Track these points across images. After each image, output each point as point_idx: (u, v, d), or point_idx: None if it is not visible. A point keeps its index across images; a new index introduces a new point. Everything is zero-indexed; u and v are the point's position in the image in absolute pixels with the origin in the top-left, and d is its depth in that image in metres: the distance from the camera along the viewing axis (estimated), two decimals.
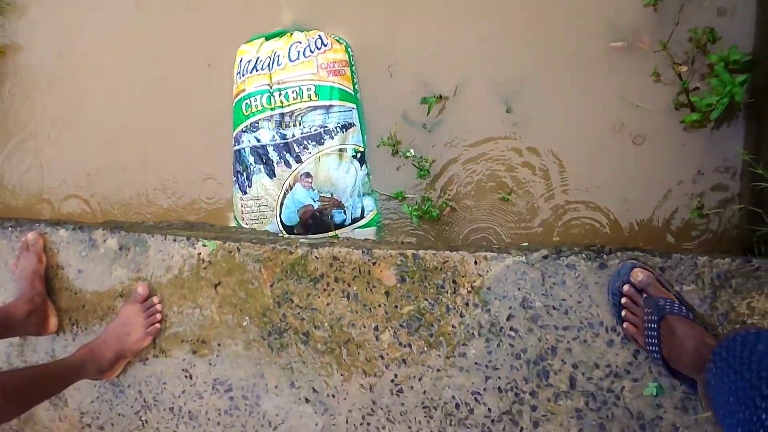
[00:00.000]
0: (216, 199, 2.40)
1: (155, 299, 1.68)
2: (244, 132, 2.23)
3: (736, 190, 1.75)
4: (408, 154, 2.14)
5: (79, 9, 2.61)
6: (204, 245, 1.65)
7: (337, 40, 2.33)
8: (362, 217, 2.16)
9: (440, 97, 2.14)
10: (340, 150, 2.16)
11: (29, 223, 1.84)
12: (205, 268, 1.64)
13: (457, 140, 2.12)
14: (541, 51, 2.05)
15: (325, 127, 2.16)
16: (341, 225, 2.14)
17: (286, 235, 1.81)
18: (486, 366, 1.39)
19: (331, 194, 2.12)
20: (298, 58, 2.26)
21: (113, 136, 2.54)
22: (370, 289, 1.49)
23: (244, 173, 2.20)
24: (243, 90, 2.30)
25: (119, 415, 1.70)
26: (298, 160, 2.14)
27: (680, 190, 1.87)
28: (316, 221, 2.12)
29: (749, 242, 1.57)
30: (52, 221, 1.82)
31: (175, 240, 1.67)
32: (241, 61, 2.39)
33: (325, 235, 2.14)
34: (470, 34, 2.15)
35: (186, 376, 1.64)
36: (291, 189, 2.13)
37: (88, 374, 1.64)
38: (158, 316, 1.67)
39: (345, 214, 2.13)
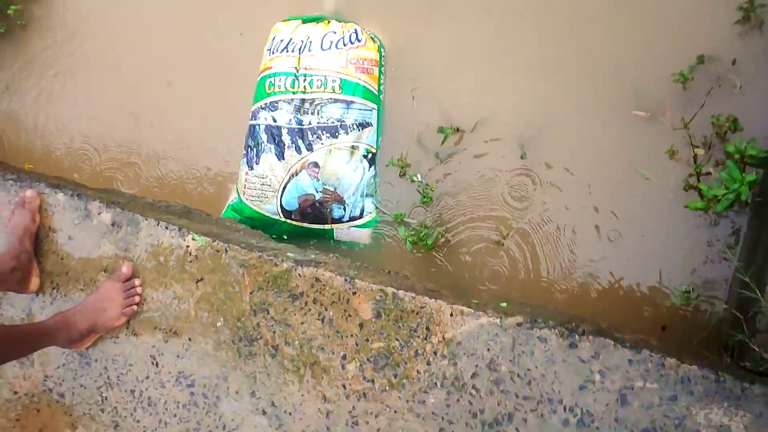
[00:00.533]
0: (221, 171, 2.43)
1: (137, 281, 1.70)
2: (262, 109, 2.24)
3: (726, 287, 1.75)
4: (415, 178, 2.15)
5: None
6: (194, 239, 1.66)
7: (372, 37, 2.33)
8: (360, 217, 2.17)
9: (458, 129, 2.14)
10: (353, 147, 2.16)
11: (30, 180, 1.86)
12: (190, 262, 1.66)
13: (467, 176, 2.13)
14: (566, 104, 2.05)
15: (343, 121, 2.16)
16: (338, 220, 2.15)
17: (275, 243, 1.83)
18: (442, 418, 1.41)
19: (335, 188, 2.13)
20: (329, 48, 2.26)
21: (134, 87, 2.57)
22: (346, 318, 1.50)
23: (255, 149, 2.21)
24: (270, 68, 2.30)
25: (81, 386, 1.73)
26: (309, 149, 2.15)
27: (672, 271, 1.88)
28: (314, 211, 2.14)
29: (727, 342, 1.57)
30: (53, 183, 1.84)
31: (167, 228, 1.69)
32: (274, 38, 2.39)
33: (321, 227, 2.15)
34: (500, 73, 2.14)
35: (152, 363, 1.66)
36: (296, 175, 2.14)
37: (58, 342, 1.66)
38: (137, 298, 1.69)
39: (344, 210, 2.14)
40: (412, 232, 2.07)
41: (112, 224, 1.74)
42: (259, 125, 2.24)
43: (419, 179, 2.14)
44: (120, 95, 2.59)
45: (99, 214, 1.76)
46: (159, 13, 2.62)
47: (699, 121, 1.89)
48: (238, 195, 2.24)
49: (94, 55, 2.66)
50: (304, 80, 2.23)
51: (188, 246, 1.66)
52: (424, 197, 2.11)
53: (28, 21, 2.70)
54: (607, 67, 2.02)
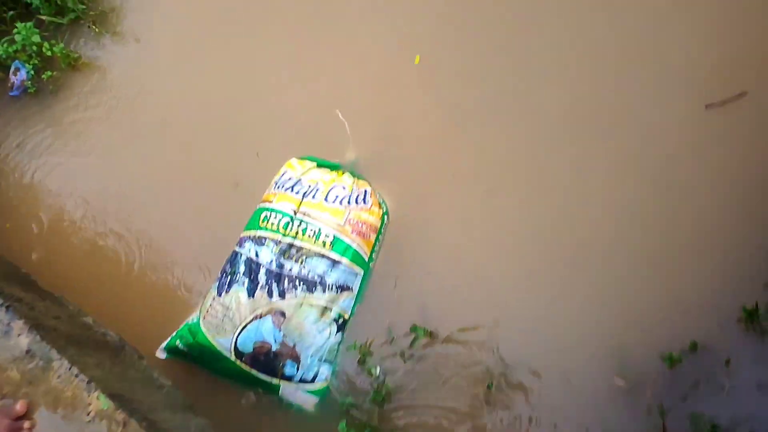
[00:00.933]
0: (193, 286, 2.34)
1: (27, 424, 1.55)
2: (250, 239, 2.16)
3: None
4: (372, 371, 2.02)
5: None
6: (98, 398, 1.52)
7: (379, 203, 2.27)
8: (312, 381, 2.03)
9: (431, 334, 2.03)
10: (325, 307, 2.06)
11: None
12: (88, 422, 1.51)
13: (427, 385, 2.00)
14: (548, 351, 1.94)
15: (323, 278, 2.06)
16: (289, 378, 2.01)
17: (187, 418, 1.68)
18: None
19: (294, 344, 2.01)
20: (333, 202, 2.20)
21: (139, 179, 2.57)
22: None
23: (229, 277, 2.12)
24: (270, 201, 2.25)
25: None
26: (282, 296, 2.03)
27: None
28: (267, 361, 2.00)
29: None
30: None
31: (77, 375, 1.56)
32: (284, 173, 2.35)
33: (269, 379, 2.01)
34: (490, 291, 2.06)
35: None
36: (260, 318, 2.02)
37: None
38: None
39: (297, 369, 2.01)
40: (353, 430, 1.91)
41: (27, 351, 1.61)
42: (241, 254, 2.16)
43: (377, 374, 2.01)
44: (124, 183, 2.56)
45: (18, 335, 1.64)
46: (184, 113, 2.64)
47: (678, 410, 1.74)
48: (199, 315, 2.13)
49: (110, 139, 2.65)
50: (299, 225, 2.16)
51: (90, 404, 1.52)
52: (377, 394, 1.97)
53: (60, 88, 2.73)
54: (596, 323, 1.91)
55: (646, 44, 2.21)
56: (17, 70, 2.71)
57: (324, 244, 2.12)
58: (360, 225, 2.20)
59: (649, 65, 2.14)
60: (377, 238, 2.26)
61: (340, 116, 2.49)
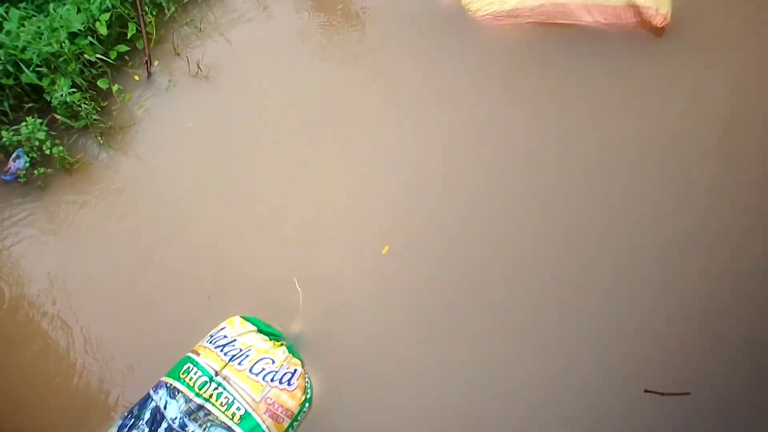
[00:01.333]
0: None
1: None
2: (166, 386, 2.07)
3: None
4: None
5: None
6: None
7: (306, 388, 2.16)
8: None
9: None
10: None
11: None
12: None
13: None
14: None
15: None
16: None
17: None
18: None
19: None
20: (257, 374, 2.11)
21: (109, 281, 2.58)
22: None
23: (132, 420, 2.01)
24: (198, 353, 2.17)
25: None
26: None
27: None
28: None
29: None
30: None
31: None
32: (223, 329, 2.27)
33: None
34: None
35: None
36: None
37: None
38: None
39: None
40: None
41: None
42: (152, 400, 2.07)
43: None
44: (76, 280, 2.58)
45: None
46: (157, 231, 2.68)
47: None
48: None
49: (84, 229, 2.69)
50: (215, 389, 2.07)
51: None
52: None
53: (49, 186, 2.78)
54: None
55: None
56: (17, 157, 2.80)
57: (233, 416, 2.02)
58: (276, 407, 2.09)
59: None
60: (291, 425, 2.13)
61: (297, 285, 2.45)
